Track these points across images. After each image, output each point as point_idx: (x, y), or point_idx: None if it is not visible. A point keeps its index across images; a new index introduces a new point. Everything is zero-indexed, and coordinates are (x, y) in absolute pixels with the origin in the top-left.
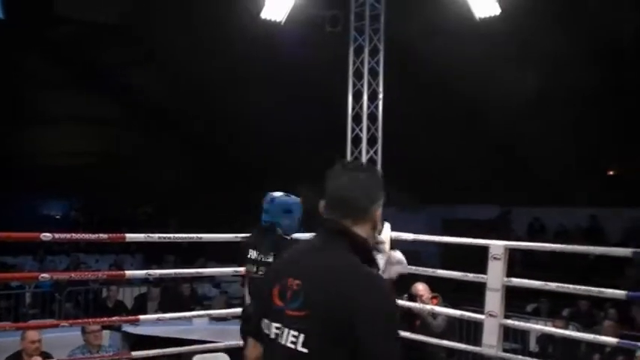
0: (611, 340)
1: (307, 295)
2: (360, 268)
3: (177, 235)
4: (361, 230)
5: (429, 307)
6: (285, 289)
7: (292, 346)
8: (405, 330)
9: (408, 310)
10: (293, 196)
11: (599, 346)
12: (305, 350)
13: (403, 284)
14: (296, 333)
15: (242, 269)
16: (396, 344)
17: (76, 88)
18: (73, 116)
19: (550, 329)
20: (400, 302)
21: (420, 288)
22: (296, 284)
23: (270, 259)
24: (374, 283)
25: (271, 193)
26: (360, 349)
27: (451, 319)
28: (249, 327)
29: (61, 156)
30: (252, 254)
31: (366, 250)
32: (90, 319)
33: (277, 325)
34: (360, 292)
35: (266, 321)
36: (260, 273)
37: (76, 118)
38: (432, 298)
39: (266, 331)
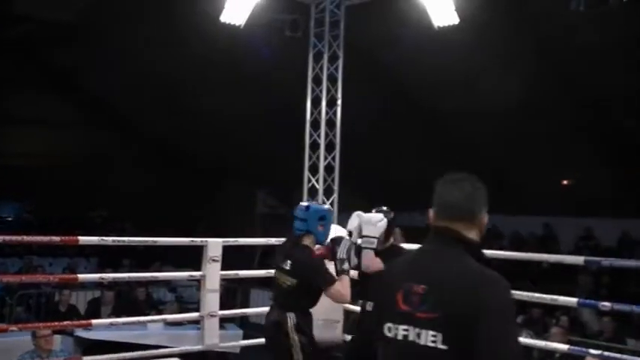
0: (562, 346)
1: (437, 297)
2: (484, 270)
3: (132, 238)
4: (472, 235)
5: None
6: (410, 294)
7: (433, 344)
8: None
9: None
10: (325, 205)
11: (552, 353)
12: (445, 347)
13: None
14: (434, 332)
15: (197, 273)
16: (518, 340)
17: (32, 89)
18: (27, 117)
19: None
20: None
21: None
22: (421, 289)
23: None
24: (498, 284)
25: (303, 202)
26: (489, 345)
27: None
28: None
29: (15, 157)
30: (285, 265)
31: (480, 254)
32: (40, 324)
33: (405, 327)
34: (486, 293)
35: (389, 324)
36: (288, 284)
37: (32, 120)
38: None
39: (389, 334)
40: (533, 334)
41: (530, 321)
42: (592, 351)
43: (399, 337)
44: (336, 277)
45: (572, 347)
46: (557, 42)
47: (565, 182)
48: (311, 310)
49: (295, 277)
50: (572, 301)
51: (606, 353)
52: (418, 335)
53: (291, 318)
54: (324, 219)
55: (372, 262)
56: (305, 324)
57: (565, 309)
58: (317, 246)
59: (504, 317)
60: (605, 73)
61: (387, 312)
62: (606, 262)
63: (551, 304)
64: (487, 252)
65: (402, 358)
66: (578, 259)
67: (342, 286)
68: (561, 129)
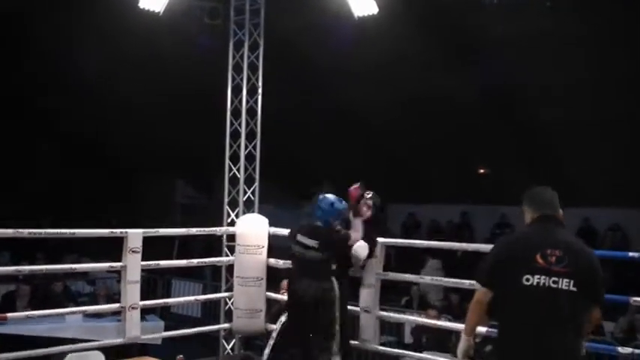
0: (480, 329)
1: (570, 258)
2: (588, 247)
3: (48, 230)
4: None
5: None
6: (547, 255)
7: (566, 287)
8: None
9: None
10: (343, 202)
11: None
12: (575, 289)
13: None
14: (567, 280)
15: (118, 264)
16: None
17: None
18: None
19: (423, 320)
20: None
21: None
22: (557, 252)
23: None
24: (593, 253)
25: (325, 196)
26: (598, 293)
27: None
28: (485, 281)
29: None
30: (303, 239)
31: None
32: None
33: (540, 276)
34: (594, 258)
35: (527, 276)
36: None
37: None
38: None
39: (527, 283)
40: (452, 318)
41: (448, 307)
42: None
43: (534, 283)
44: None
45: (490, 330)
46: (472, 33)
47: (481, 171)
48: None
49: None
50: None
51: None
52: (555, 282)
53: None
54: (339, 214)
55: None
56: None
57: None
58: None
59: (601, 274)
60: (519, 63)
61: (525, 267)
62: None
63: (469, 289)
64: (408, 241)
65: (539, 298)
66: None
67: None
68: (477, 119)
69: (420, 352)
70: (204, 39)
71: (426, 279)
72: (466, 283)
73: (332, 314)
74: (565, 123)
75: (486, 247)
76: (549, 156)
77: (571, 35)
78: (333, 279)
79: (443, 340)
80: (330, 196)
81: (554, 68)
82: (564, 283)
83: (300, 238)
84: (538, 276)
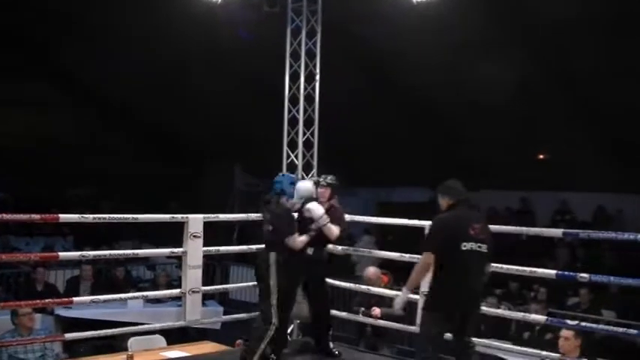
0: (540, 317)
1: (484, 230)
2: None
3: (112, 215)
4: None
5: (392, 292)
6: (474, 228)
7: (485, 251)
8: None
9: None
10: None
11: (530, 325)
12: (487, 251)
13: (347, 266)
14: (484, 245)
15: (179, 250)
16: None
17: (10, 69)
18: (5, 98)
19: (483, 308)
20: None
21: (372, 271)
22: (479, 225)
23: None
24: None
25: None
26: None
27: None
28: (434, 249)
29: None
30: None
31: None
32: (22, 302)
33: (472, 243)
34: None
35: (464, 243)
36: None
37: (10, 100)
38: (383, 274)
39: (466, 248)
40: (511, 307)
41: (507, 294)
42: (569, 322)
43: (467, 248)
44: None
45: (550, 319)
46: (534, 15)
47: (541, 157)
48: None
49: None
50: (551, 273)
51: (583, 324)
52: (479, 247)
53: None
54: (293, 184)
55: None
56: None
57: (542, 282)
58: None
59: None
60: (582, 48)
61: (462, 236)
62: (584, 234)
63: (530, 276)
64: None
65: (472, 258)
66: (557, 232)
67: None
68: (536, 103)
69: (480, 339)
70: (244, 32)
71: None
72: (526, 270)
73: (266, 285)
74: (630, 106)
75: (548, 232)
76: (614, 140)
77: (630, 17)
78: (272, 251)
79: (502, 328)
80: (292, 176)
81: (616, 51)
82: (484, 248)
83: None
84: (471, 243)
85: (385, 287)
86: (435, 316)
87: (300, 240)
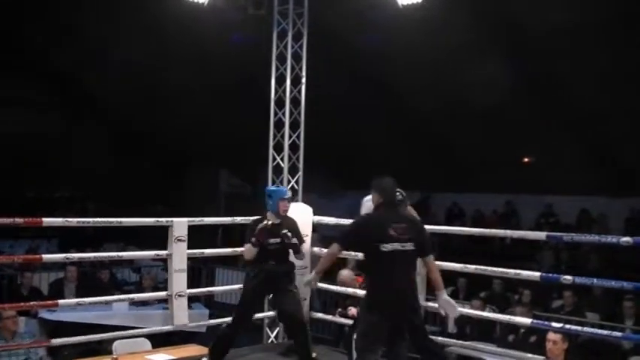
0: (525, 320)
1: (410, 229)
2: (417, 217)
3: (96, 219)
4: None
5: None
6: (395, 229)
7: (410, 249)
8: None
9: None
10: (276, 187)
11: (514, 328)
12: (414, 248)
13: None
14: (410, 244)
15: (164, 253)
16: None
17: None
18: None
19: (468, 311)
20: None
21: (345, 274)
22: (402, 225)
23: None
24: (422, 223)
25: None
26: (426, 246)
27: None
28: (345, 246)
29: None
30: None
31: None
32: (6, 305)
33: (394, 244)
34: (422, 227)
35: (383, 244)
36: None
37: None
38: (357, 276)
39: (387, 249)
40: (496, 309)
41: (492, 296)
42: (554, 324)
43: (390, 249)
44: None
45: (535, 321)
46: (516, 20)
47: (526, 160)
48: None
49: None
50: (535, 275)
51: (567, 326)
52: (403, 246)
53: None
54: (270, 196)
55: None
56: None
57: (527, 284)
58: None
59: (429, 238)
60: (567, 53)
61: (382, 238)
62: (567, 237)
63: (514, 278)
64: (452, 229)
65: (395, 259)
66: (541, 235)
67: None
68: (522, 108)
69: (464, 341)
70: (237, 35)
71: (470, 268)
72: (511, 272)
73: None
74: (614, 112)
75: (532, 234)
76: (598, 145)
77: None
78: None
79: (487, 330)
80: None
81: (601, 55)
82: (408, 246)
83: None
84: (393, 243)
85: (360, 288)
86: (370, 317)
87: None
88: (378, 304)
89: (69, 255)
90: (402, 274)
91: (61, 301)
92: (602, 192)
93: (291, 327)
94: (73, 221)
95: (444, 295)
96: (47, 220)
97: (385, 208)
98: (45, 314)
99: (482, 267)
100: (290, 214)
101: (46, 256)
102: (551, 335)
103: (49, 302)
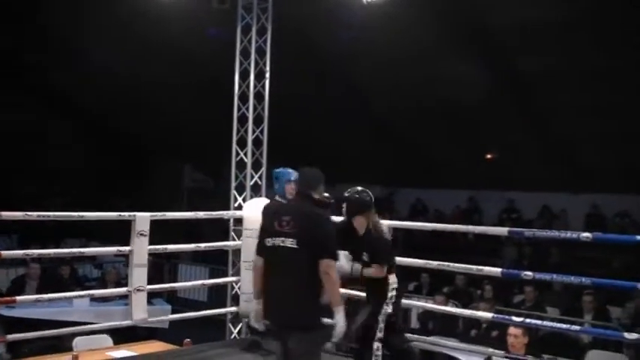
0: (487, 315)
1: (295, 223)
2: (318, 211)
3: (57, 213)
4: (316, 196)
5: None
6: (281, 221)
7: (291, 245)
8: None
9: None
10: (281, 169)
11: (477, 322)
12: (297, 246)
13: None
14: (292, 240)
15: (126, 248)
16: (334, 240)
17: None
18: None
19: (431, 306)
20: None
21: None
22: (287, 218)
23: None
24: (324, 219)
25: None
26: (320, 246)
27: None
28: (257, 250)
29: None
30: None
31: (319, 204)
32: None
33: (279, 238)
34: (318, 222)
35: (268, 239)
36: None
37: None
38: None
39: (269, 244)
40: (459, 304)
41: (455, 291)
42: (515, 318)
43: (276, 244)
44: None
45: (496, 316)
46: (481, 16)
47: (489, 156)
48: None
49: None
50: (497, 271)
51: (528, 320)
52: (283, 242)
53: None
54: (276, 179)
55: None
56: None
57: (489, 279)
58: None
59: (327, 230)
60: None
61: (269, 231)
62: (529, 232)
63: (476, 274)
64: (415, 224)
65: (276, 255)
66: (503, 230)
67: None
68: (485, 104)
69: (427, 336)
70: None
71: (432, 264)
72: (473, 268)
73: None
74: (574, 108)
75: (494, 230)
76: (559, 142)
77: (577, 20)
78: None
79: (449, 325)
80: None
81: (563, 53)
82: (290, 242)
83: None
84: (275, 238)
85: None
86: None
87: None
88: (265, 311)
89: (28, 251)
90: (284, 275)
91: (19, 298)
92: (563, 188)
93: None
94: (33, 215)
95: (337, 315)
96: (6, 214)
97: (297, 198)
98: (3, 311)
99: (444, 263)
100: (253, 209)
101: (6, 253)
102: (512, 330)
103: (7, 299)
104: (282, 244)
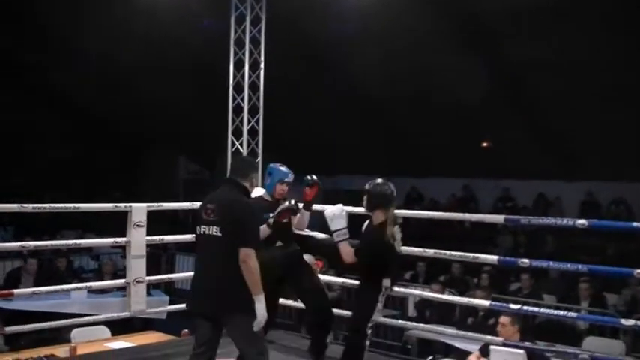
0: (484, 302)
1: (218, 211)
2: (241, 199)
3: (53, 205)
4: (246, 184)
5: (326, 277)
6: (207, 210)
7: (215, 233)
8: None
9: None
10: (278, 166)
11: (473, 310)
12: (220, 234)
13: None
14: (216, 227)
15: (122, 239)
16: (256, 229)
17: None
18: None
19: (428, 294)
20: None
21: (305, 259)
22: (212, 207)
23: None
24: (245, 206)
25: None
26: (237, 234)
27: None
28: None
29: None
30: None
31: (246, 192)
32: None
33: (202, 226)
34: (241, 210)
35: (198, 227)
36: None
37: None
38: (317, 260)
39: (199, 232)
40: (456, 292)
41: (451, 280)
42: (512, 306)
43: (202, 232)
44: None
45: (494, 303)
46: (476, 5)
47: (484, 145)
48: None
49: None
50: (493, 258)
51: (525, 308)
52: (207, 229)
53: None
54: (270, 174)
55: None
56: None
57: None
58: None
59: (246, 218)
60: (523, 38)
61: (199, 219)
62: (525, 220)
63: (472, 262)
64: (411, 213)
65: (203, 243)
66: (499, 218)
67: None
68: (481, 92)
69: (424, 324)
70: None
71: (429, 252)
72: (469, 256)
73: None
74: (568, 97)
75: (490, 218)
76: (553, 130)
77: (570, 8)
78: None
79: (446, 314)
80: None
81: (556, 42)
82: (214, 230)
83: None
84: (203, 226)
85: (320, 272)
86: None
87: None
88: (191, 299)
89: (24, 243)
90: (210, 264)
91: (16, 290)
92: (558, 176)
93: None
94: (29, 207)
95: (257, 304)
96: (2, 207)
97: (224, 185)
98: (1, 303)
99: (440, 251)
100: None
101: (1, 245)
102: (501, 318)
103: (5, 292)
104: (208, 232)
